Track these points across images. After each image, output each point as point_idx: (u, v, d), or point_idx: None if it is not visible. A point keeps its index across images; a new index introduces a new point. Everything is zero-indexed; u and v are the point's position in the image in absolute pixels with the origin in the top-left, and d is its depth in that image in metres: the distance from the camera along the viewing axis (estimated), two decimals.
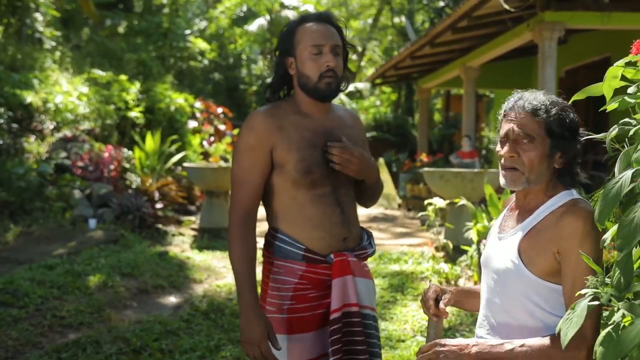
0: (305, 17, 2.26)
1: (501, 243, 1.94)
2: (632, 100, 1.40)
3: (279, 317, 2.23)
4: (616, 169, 1.46)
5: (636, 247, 1.40)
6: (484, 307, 1.99)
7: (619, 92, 1.48)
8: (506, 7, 7.78)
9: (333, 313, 2.19)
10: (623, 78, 1.46)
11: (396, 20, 24.71)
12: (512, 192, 2.07)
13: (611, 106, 1.45)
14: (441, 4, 19.85)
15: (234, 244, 2.23)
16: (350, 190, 2.34)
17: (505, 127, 1.88)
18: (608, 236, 1.48)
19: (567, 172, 1.91)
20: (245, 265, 2.21)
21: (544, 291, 1.82)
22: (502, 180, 1.91)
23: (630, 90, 1.44)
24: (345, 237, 2.26)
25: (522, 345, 1.77)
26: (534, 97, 1.88)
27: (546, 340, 1.76)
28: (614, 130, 1.46)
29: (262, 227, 2.27)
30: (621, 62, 1.43)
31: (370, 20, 26.38)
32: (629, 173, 1.36)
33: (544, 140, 1.85)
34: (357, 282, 2.25)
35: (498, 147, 1.91)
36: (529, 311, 1.83)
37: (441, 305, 1.93)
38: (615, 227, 1.41)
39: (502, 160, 1.89)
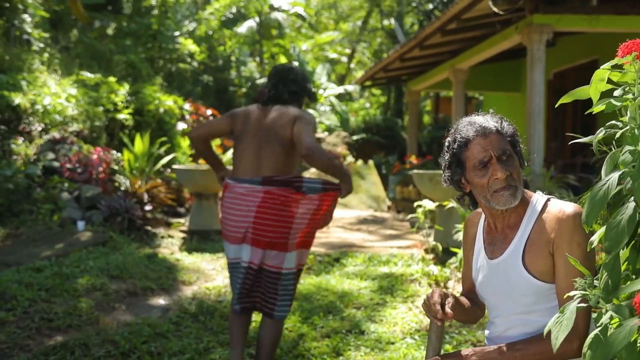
0: None
1: (498, 265, 1.98)
2: (619, 103, 1.41)
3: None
4: (603, 171, 1.47)
5: (623, 250, 1.41)
6: (496, 327, 2.06)
7: (606, 94, 1.49)
8: (495, 10, 7.82)
9: None
10: (610, 81, 1.48)
11: (385, 22, 24.77)
12: (471, 211, 2.17)
13: (597, 108, 1.46)
14: (430, 6, 19.92)
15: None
16: None
17: (479, 154, 1.91)
18: (595, 238, 1.49)
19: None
20: None
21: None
22: (499, 204, 1.92)
23: (616, 93, 1.45)
24: None
25: (518, 348, 1.81)
26: (485, 119, 1.95)
27: (540, 338, 1.80)
28: (600, 133, 1.47)
29: None
30: (608, 65, 1.44)
31: (359, 23, 26.43)
32: (615, 175, 1.37)
33: (514, 154, 1.93)
34: None
35: (477, 177, 1.93)
36: (546, 315, 1.89)
37: (447, 309, 1.91)
38: (603, 229, 1.42)
39: (495, 184, 1.91)
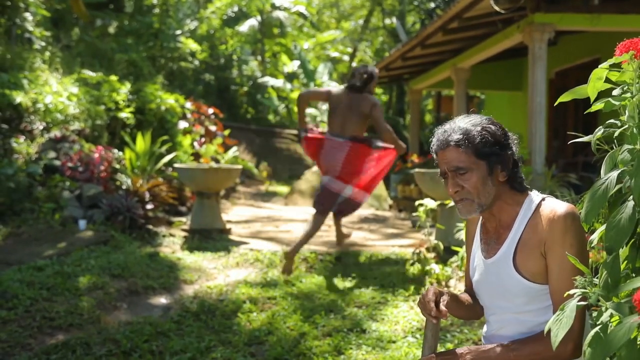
0: None
1: (492, 265, 1.98)
2: (617, 102, 1.41)
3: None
4: (602, 170, 1.47)
5: (623, 248, 1.41)
6: (491, 325, 2.07)
7: (606, 93, 1.49)
8: (496, 8, 7.82)
9: None
10: (609, 80, 1.47)
11: (387, 21, 24.76)
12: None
13: (595, 106, 1.46)
14: (432, 5, 19.90)
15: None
16: None
17: (440, 166, 1.96)
18: (595, 237, 1.49)
19: (514, 179, 1.97)
20: None
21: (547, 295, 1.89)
22: (460, 214, 1.98)
23: (615, 92, 1.45)
24: None
25: (513, 348, 1.81)
26: (453, 130, 1.93)
27: (535, 338, 1.80)
28: (599, 132, 1.47)
29: None
30: (606, 64, 1.44)
31: (361, 22, 26.42)
32: (614, 174, 1.37)
33: (478, 165, 1.90)
34: None
35: (445, 185, 1.98)
36: (539, 315, 1.88)
37: (442, 307, 1.92)
38: (603, 227, 1.42)
39: (452, 197, 1.97)
